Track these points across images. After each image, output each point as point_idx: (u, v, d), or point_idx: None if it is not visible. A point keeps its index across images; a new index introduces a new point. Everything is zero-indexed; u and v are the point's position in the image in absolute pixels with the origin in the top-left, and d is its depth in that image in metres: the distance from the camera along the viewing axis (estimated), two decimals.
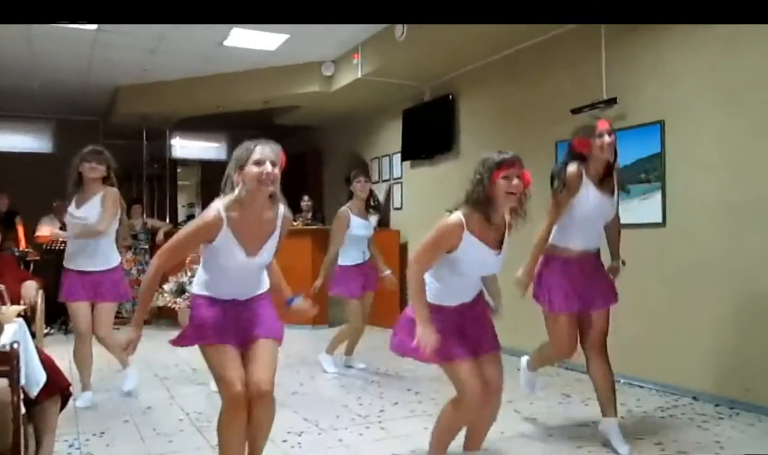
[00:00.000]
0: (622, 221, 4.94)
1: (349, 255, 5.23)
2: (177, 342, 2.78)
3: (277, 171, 2.59)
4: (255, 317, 2.78)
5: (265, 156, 2.56)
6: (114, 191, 4.37)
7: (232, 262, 2.63)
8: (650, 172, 4.73)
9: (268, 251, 2.72)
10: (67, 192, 4.38)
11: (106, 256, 4.39)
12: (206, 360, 2.72)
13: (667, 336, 4.62)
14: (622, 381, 4.85)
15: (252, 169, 2.55)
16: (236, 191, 2.60)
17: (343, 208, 5.20)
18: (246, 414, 2.65)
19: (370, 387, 4.89)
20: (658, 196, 4.67)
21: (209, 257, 2.70)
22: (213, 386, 4.48)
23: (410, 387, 4.79)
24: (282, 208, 2.77)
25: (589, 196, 3.37)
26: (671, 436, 3.65)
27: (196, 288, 2.80)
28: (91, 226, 4.23)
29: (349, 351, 5.58)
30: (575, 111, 5.21)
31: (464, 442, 3.04)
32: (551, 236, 3.45)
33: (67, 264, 4.41)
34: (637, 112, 4.85)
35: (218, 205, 2.60)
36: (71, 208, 4.33)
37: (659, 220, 4.67)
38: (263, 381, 2.65)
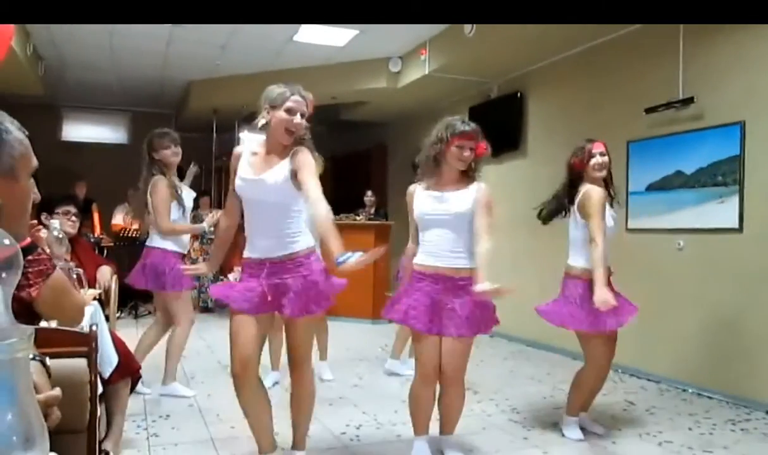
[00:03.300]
0: (696, 225, 4.79)
1: None
2: (216, 292, 2.96)
3: (303, 122, 2.77)
4: (286, 290, 2.75)
5: (298, 106, 2.74)
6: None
7: (246, 184, 2.78)
8: (727, 175, 4.53)
9: (277, 173, 2.74)
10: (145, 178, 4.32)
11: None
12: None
13: (740, 346, 4.42)
14: (690, 390, 4.69)
15: (282, 114, 2.72)
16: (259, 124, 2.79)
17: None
18: (250, 390, 2.83)
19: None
20: (735, 200, 4.47)
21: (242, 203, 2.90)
22: (274, 376, 4.58)
23: (469, 386, 4.75)
24: (298, 149, 2.78)
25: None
26: (741, 451, 3.50)
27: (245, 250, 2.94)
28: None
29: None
30: (649, 110, 5.05)
31: None
32: (574, 259, 3.59)
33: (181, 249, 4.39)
34: (715, 112, 4.66)
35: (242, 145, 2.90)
36: (187, 200, 4.39)
37: (735, 225, 4.47)
38: (297, 359, 2.91)
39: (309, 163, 2.72)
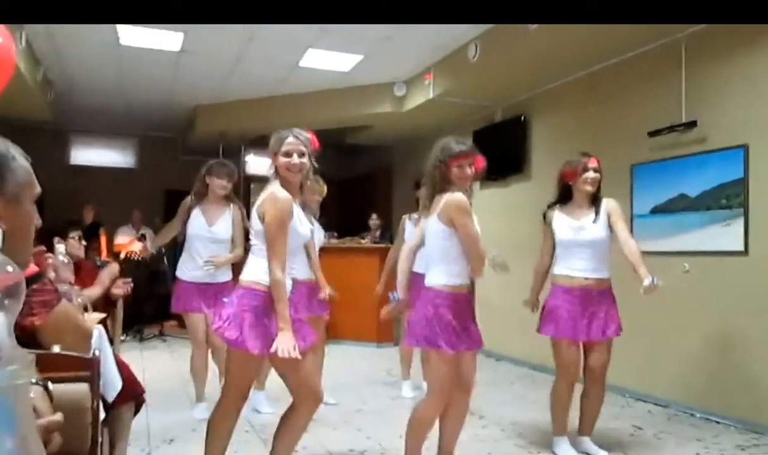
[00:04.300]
0: (701, 248, 4.78)
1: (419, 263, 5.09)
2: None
3: (304, 160, 2.87)
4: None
5: (293, 147, 2.86)
6: (241, 209, 4.56)
7: (307, 233, 3.04)
8: (732, 198, 4.53)
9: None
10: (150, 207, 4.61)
11: (225, 269, 4.51)
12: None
13: (748, 370, 4.39)
14: (698, 415, 4.65)
15: (281, 159, 2.86)
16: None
17: (404, 216, 5.25)
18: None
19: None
20: (741, 223, 4.47)
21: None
22: (266, 407, 4.56)
23: (474, 411, 4.72)
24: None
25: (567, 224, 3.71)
26: None
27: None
28: (236, 252, 4.45)
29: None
30: (653, 134, 5.07)
31: None
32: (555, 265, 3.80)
33: (182, 275, 4.53)
34: (718, 135, 4.67)
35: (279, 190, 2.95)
36: (200, 222, 4.45)
37: (741, 248, 4.45)
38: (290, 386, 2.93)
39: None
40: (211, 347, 4.49)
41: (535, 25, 5.03)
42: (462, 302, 3.05)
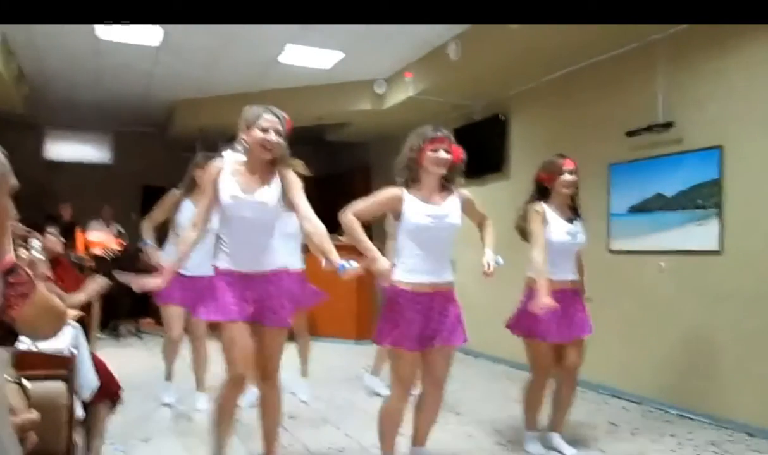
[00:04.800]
0: (677, 247, 4.85)
1: None
2: (201, 313, 3.03)
3: (280, 139, 2.85)
4: (269, 301, 2.97)
5: (270, 124, 2.84)
6: None
7: (238, 202, 2.86)
8: (707, 198, 4.60)
9: (269, 195, 2.90)
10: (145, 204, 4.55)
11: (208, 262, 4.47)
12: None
13: (721, 367, 4.46)
14: (672, 412, 4.72)
15: (257, 133, 2.82)
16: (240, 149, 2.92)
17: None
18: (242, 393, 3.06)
19: (412, 406, 4.84)
20: (715, 223, 4.53)
21: (221, 217, 2.98)
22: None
23: (452, 408, 4.74)
24: (283, 170, 2.97)
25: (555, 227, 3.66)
26: None
27: (218, 261, 3.01)
28: None
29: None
30: (631, 133, 5.12)
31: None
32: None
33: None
34: (694, 136, 4.74)
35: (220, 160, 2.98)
36: (192, 214, 4.34)
37: (716, 247, 4.52)
38: (270, 370, 3.01)
39: (297, 183, 2.97)
40: (192, 339, 4.53)
41: (515, 25, 5.05)
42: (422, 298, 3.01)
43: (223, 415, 3.04)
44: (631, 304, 5.10)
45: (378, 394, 5.02)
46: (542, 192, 3.74)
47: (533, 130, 6.56)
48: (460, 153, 3.12)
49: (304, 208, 2.92)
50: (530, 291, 3.61)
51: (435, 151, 3.00)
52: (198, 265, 3.96)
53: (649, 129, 4.98)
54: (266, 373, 3.06)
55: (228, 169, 2.93)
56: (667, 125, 4.87)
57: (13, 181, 1.40)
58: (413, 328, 2.96)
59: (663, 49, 4.96)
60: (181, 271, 4.21)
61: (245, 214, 2.89)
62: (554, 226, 3.64)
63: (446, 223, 3.05)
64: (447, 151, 3.03)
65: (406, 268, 3.02)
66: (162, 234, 4.67)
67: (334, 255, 2.75)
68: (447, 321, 3.03)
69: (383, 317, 3.07)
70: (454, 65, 6.14)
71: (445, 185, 3.12)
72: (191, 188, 4.45)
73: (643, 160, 5.11)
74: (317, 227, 2.87)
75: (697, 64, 4.73)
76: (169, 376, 4.70)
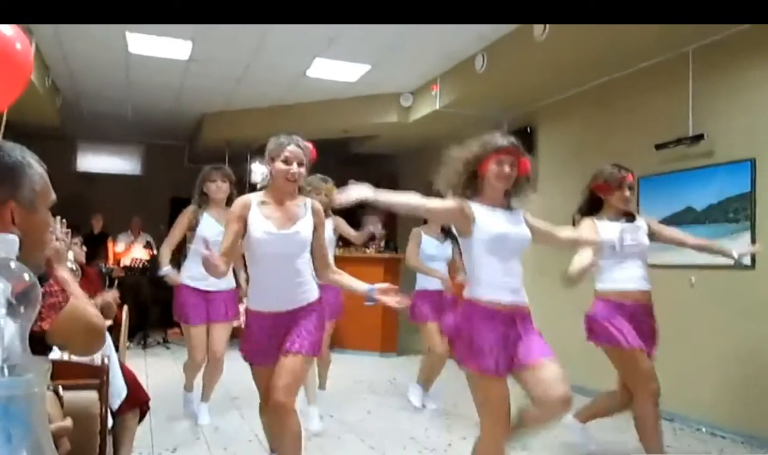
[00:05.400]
0: (707, 262, 4.77)
1: (426, 279, 4.98)
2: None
3: (302, 170, 2.87)
4: (295, 328, 2.87)
5: (293, 156, 2.84)
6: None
7: (266, 237, 2.79)
8: (739, 211, 4.52)
9: (300, 230, 2.87)
10: (155, 212, 4.56)
11: (229, 277, 4.37)
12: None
13: (754, 384, 4.36)
14: (704, 429, 4.62)
15: (280, 165, 2.82)
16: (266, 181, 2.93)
17: (416, 228, 5.14)
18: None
19: (437, 420, 4.83)
20: (747, 236, 4.45)
21: (249, 253, 2.90)
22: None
23: (479, 422, 4.70)
24: (309, 200, 2.98)
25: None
26: None
27: (249, 302, 2.99)
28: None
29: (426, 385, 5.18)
30: (660, 146, 5.07)
31: None
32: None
33: (187, 282, 4.35)
34: (725, 148, 4.67)
35: (247, 194, 2.95)
36: (211, 223, 4.28)
37: (747, 261, 4.43)
38: (278, 391, 2.78)
39: (324, 223, 3.01)
40: (211, 359, 4.40)
41: (542, 36, 5.04)
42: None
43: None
44: (662, 320, 5.00)
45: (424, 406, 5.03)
46: (594, 203, 3.52)
47: (561, 143, 6.52)
48: (527, 165, 2.79)
49: (325, 254, 3.02)
50: (599, 304, 3.47)
51: (500, 163, 2.72)
52: (216, 282, 3.97)
53: (678, 142, 4.92)
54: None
55: (255, 201, 2.87)
56: (698, 138, 4.80)
57: (53, 195, 1.44)
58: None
59: (693, 62, 4.90)
60: (201, 287, 4.29)
61: (276, 249, 2.82)
62: (607, 232, 3.45)
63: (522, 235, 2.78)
64: (513, 166, 2.73)
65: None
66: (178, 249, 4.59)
67: (362, 287, 2.88)
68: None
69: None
70: (481, 78, 6.13)
71: (509, 200, 2.83)
72: (205, 201, 4.39)
73: (673, 173, 5.05)
74: (341, 272, 3.05)
75: (728, 76, 4.67)
76: (190, 387, 4.61)
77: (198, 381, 4.59)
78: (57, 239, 2.44)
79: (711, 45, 4.76)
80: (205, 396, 4.54)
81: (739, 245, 4.47)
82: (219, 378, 4.52)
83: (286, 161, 2.82)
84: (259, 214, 2.83)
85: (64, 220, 1.90)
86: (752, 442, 4.30)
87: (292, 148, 2.84)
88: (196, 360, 4.41)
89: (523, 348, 2.64)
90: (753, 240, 4.40)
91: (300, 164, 2.85)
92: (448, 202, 2.77)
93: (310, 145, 2.94)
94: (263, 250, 2.82)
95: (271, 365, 2.83)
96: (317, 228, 2.93)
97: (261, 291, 2.91)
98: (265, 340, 2.87)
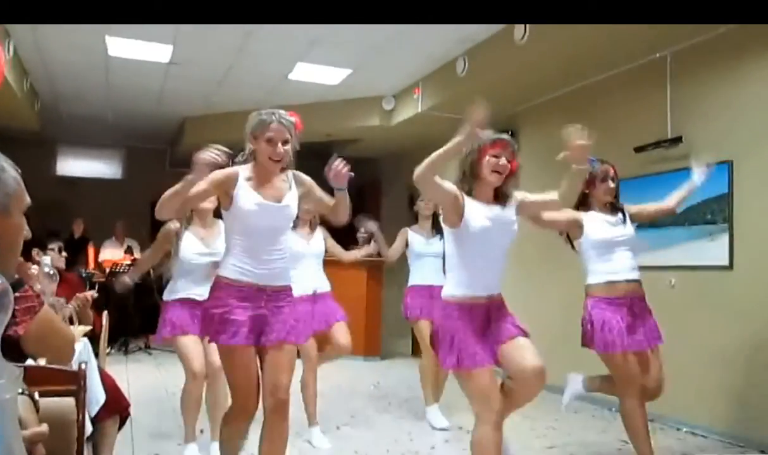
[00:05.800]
0: (687, 262, 4.82)
1: (417, 275, 4.94)
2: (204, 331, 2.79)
3: (288, 148, 2.71)
4: (279, 316, 2.72)
5: (278, 135, 2.69)
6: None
7: (256, 209, 2.67)
8: (717, 213, 4.58)
9: (290, 203, 2.77)
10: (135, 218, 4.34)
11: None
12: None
13: (732, 384, 4.42)
14: (684, 429, 4.67)
15: (263, 146, 2.70)
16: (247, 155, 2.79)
17: (404, 228, 5.03)
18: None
19: (421, 422, 4.83)
20: (725, 238, 4.51)
21: (231, 222, 2.76)
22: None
23: (462, 425, 4.71)
24: (291, 173, 2.86)
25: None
26: None
27: (221, 270, 2.75)
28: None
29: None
30: (639, 149, 5.12)
31: None
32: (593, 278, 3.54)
33: (172, 296, 3.87)
34: (703, 151, 4.70)
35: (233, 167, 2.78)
36: (193, 243, 3.84)
37: (726, 262, 4.50)
38: (282, 390, 2.67)
39: (311, 181, 2.90)
40: (210, 374, 3.75)
41: (522, 40, 5.07)
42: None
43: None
44: None
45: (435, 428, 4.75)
46: (581, 199, 3.52)
47: (542, 146, 6.55)
48: (516, 165, 2.91)
49: (327, 201, 2.93)
50: (591, 301, 3.48)
51: (497, 156, 2.82)
52: (205, 292, 3.27)
53: (657, 144, 4.98)
54: (277, 405, 2.70)
55: (243, 175, 2.74)
56: (676, 140, 4.86)
57: (27, 199, 1.42)
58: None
59: (671, 65, 4.96)
60: (191, 296, 3.77)
61: (264, 221, 2.71)
62: (594, 225, 3.51)
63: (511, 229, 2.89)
64: (508, 161, 2.83)
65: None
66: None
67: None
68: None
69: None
70: (462, 81, 6.16)
71: (499, 197, 2.91)
72: (190, 218, 3.89)
73: (652, 176, 5.10)
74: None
75: (705, 80, 4.73)
76: (192, 435, 3.86)
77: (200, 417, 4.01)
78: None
79: (689, 48, 4.82)
80: (215, 433, 3.67)
81: (716, 246, 4.54)
82: (224, 400, 3.51)
83: (270, 141, 2.68)
84: (248, 186, 2.71)
85: (57, 248, 1.88)
86: (732, 442, 4.34)
87: (275, 126, 2.69)
88: (195, 371, 3.69)
89: (498, 329, 2.75)
90: (731, 241, 4.46)
91: (285, 142, 2.70)
92: (449, 184, 2.79)
93: (294, 118, 2.76)
94: (253, 222, 2.69)
95: (249, 347, 2.63)
96: (311, 190, 2.87)
97: (241, 256, 2.70)
98: (240, 312, 2.63)
